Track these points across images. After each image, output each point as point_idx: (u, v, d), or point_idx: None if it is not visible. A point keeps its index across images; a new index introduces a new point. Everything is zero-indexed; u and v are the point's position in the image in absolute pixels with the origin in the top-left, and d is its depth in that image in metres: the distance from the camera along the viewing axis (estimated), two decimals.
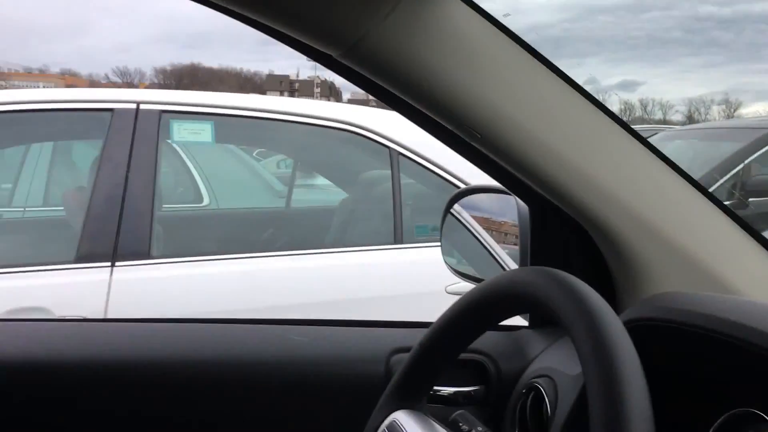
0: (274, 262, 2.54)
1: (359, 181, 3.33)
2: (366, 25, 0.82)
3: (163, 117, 2.45)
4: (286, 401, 1.11)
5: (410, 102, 0.94)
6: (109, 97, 2.48)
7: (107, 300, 2.17)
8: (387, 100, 0.99)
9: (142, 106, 2.43)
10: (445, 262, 1.52)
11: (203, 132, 2.56)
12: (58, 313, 2.10)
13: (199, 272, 2.40)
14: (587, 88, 0.93)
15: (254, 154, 5.79)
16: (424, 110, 0.95)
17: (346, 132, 2.74)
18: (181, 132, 2.52)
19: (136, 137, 2.37)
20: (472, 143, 0.97)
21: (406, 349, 1.09)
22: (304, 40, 0.88)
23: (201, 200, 4.45)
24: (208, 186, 4.50)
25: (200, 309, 2.30)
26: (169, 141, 2.76)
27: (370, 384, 1.09)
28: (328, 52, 0.89)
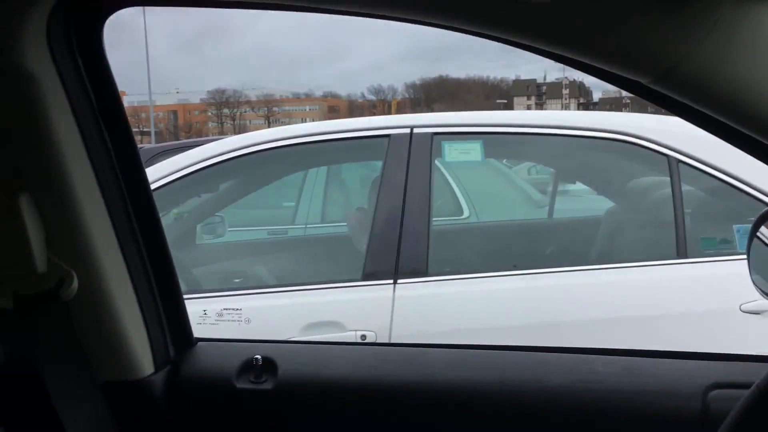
0: (545, 278, 2.51)
1: (628, 189, 3.17)
2: (682, 50, 0.78)
3: (435, 139, 2.55)
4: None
5: (729, 122, 0.87)
6: (386, 123, 2.65)
7: (391, 315, 2.30)
8: (701, 122, 0.92)
9: (415, 130, 2.55)
10: (753, 281, 1.39)
11: (473, 151, 2.61)
12: (350, 328, 2.28)
13: (472, 289, 2.46)
14: None
15: (504, 161, 5.81)
16: (744, 129, 0.87)
17: (617, 141, 2.63)
18: (452, 152, 2.60)
19: (411, 160, 2.49)
20: None
21: (727, 385, 1.00)
22: (612, 70, 0.86)
23: (461, 213, 4.54)
24: (467, 198, 4.57)
25: (475, 325, 2.34)
26: (441, 162, 2.87)
27: (684, 422, 1.02)
28: (638, 80, 0.85)
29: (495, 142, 2.85)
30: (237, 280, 3.10)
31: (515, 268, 2.65)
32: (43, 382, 0.95)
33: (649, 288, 2.43)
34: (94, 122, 1.02)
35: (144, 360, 1.08)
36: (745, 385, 0.92)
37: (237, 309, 2.29)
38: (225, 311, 2.27)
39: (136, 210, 1.10)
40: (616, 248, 2.88)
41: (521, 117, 2.73)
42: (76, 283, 0.97)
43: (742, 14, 0.77)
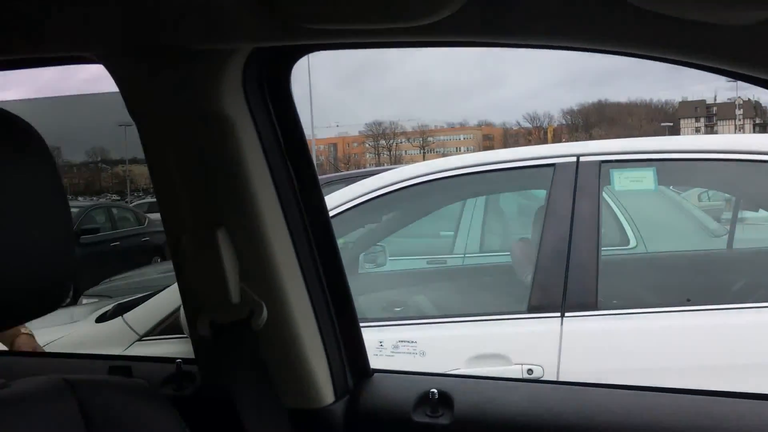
0: (723, 315, 2.33)
1: None
2: None
3: (603, 167, 2.46)
4: None
5: None
6: (550, 152, 2.60)
7: (559, 350, 2.23)
8: None
9: (582, 159, 2.48)
10: None
11: (645, 179, 2.50)
12: (515, 361, 2.23)
13: (643, 325, 2.33)
14: None
15: (671, 187, 5.49)
16: None
17: None
18: (622, 181, 2.50)
19: (578, 189, 2.42)
20: None
21: None
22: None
23: (627, 243, 4.32)
24: (633, 226, 4.34)
25: (648, 365, 2.22)
26: (610, 190, 2.77)
27: None
28: None
29: (666, 168, 2.70)
30: (397, 309, 3.15)
31: (689, 303, 2.49)
32: (235, 407, 1.01)
33: None
34: (281, 160, 1.08)
35: (325, 389, 1.12)
36: None
37: (412, 342, 2.32)
38: (401, 343, 2.31)
39: (318, 243, 1.15)
40: None
41: (697, 142, 2.58)
42: (265, 314, 1.03)
43: None
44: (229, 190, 1.00)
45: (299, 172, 1.11)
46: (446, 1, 0.72)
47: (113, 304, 3.04)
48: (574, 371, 2.19)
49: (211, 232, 1.00)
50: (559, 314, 2.29)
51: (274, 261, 1.04)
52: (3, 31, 0.82)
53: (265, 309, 1.03)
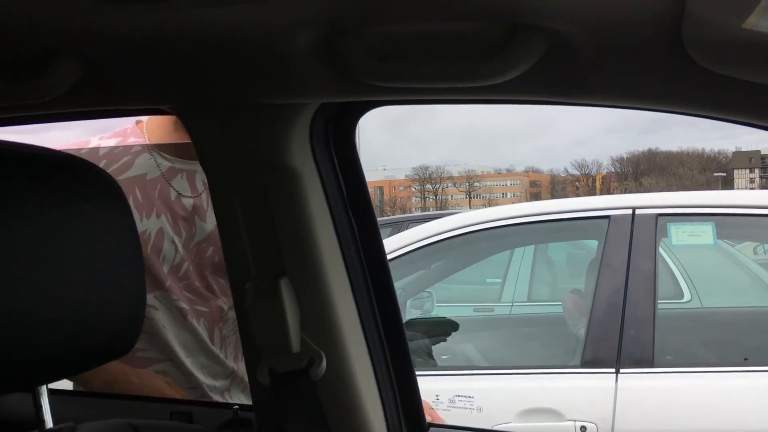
0: None
1: None
2: None
3: (660, 220, 2.43)
4: None
5: None
6: (605, 204, 2.58)
7: (614, 408, 2.18)
8: None
9: (638, 211, 2.46)
10: None
11: (704, 234, 2.46)
12: (568, 418, 2.18)
13: (701, 384, 2.27)
14: None
15: (724, 240, 5.35)
16: None
17: None
18: (680, 235, 2.46)
19: (633, 242, 2.39)
20: None
21: None
22: None
23: (681, 296, 4.21)
24: (687, 279, 4.24)
25: (706, 426, 2.14)
26: (668, 245, 2.73)
27: None
28: None
29: (723, 222, 2.65)
30: (444, 357, 3.12)
31: (746, 362, 2.41)
32: None
33: None
34: (344, 212, 1.10)
35: None
36: None
37: (470, 396, 2.30)
38: (457, 398, 2.29)
39: (377, 293, 1.15)
40: None
41: (754, 196, 2.53)
42: (324, 364, 1.04)
43: None
44: (293, 240, 1.02)
45: (361, 224, 1.13)
46: (512, 66, 0.73)
47: None
48: (628, 430, 2.14)
49: (274, 281, 1.02)
50: (614, 370, 2.24)
51: (335, 311, 1.05)
52: (87, 86, 0.86)
53: (324, 359, 1.04)
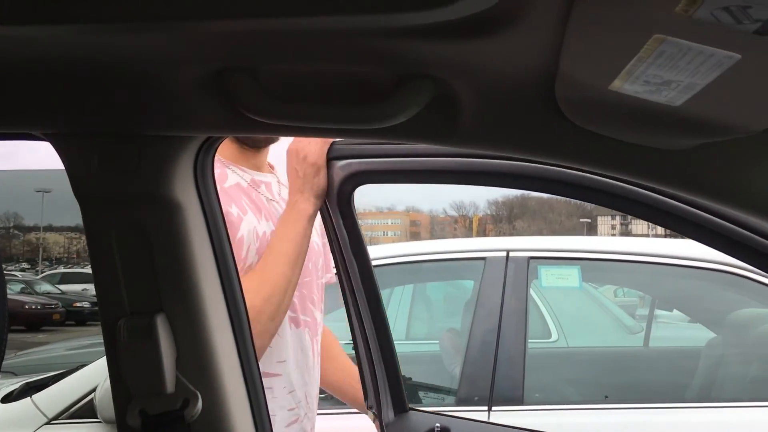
0: (639, 414, 2.40)
1: (730, 321, 3.03)
2: None
3: (531, 263, 2.55)
4: None
5: None
6: (482, 246, 2.68)
7: None
8: None
9: (511, 254, 2.57)
10: None
11: (570, 277, 2.60)
12: None
13: (564, 421, 2.37)
14: None
15: (589, 282, 5.67)
16: None
17: (719, 272, 2.56)
18: (549, 277, 2.59)
19: (507, 283, 2.49)
20: None
21: None
22: (743, 214, 0.86)
23: (549, 336, 4.41)
24: (555, 319, 4.44)
25: None
26: (539, 286, 2.86)
27: None
28: None
29: (589, 266, 2.82)
30: (322, 396, 3.09)
31: (607, 400, 2.55)
32: None
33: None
34: (227, 248, 1.08)
35: None
36: None
37: None
38: None
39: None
40: (720, 384, 2.73)
41: (621, 244, 2.72)
42: (200, 405, 1.00)
43: None
44: (173, 276, 0.99)
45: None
46: (400, 112, 0.76)
47: (20, 383, 2.87)
48: None
49: (150, 318, 0.98)
50: (486, 408, 2.31)
51: (213, 350, 1.02)
52: None
53: (200, 399, 1.00)
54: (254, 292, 1.31)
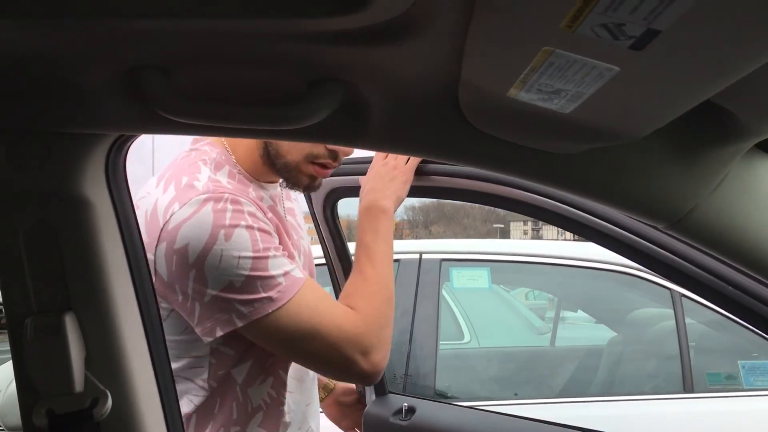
0: (545, 409, 2.51)
1: (630, 320, 3.21)
2: (694, 200, 0.85)
3: (443, 265, 2.62)
4: None
5: (741, 267, 0.93)
6: (396, 248, 2.73)
7: None
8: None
9: (424, 256, 2.63)
10: None
11: (480, 278, 2.68)
12: None
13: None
14: None
15: (500, 285, 5.84)
16: (757, 274, 0.93)
17: (619, 273, 2.70)
18: (460, 279, 2.67)
19: (420, 285, 2.55)
20: None
21: None
22: (630, 215, 0.93)
23: (462, 337, 4.52)
24: (467, 320, 4.56)
25: None
26: (451, 288, 2.93)
27: None
28: (654, 225, 0.92)
29: (500, 268, 2.92)
30: None
31: (516, 396, 2.65)
32: None
33: (656, 422, 2.43)
34: (139, 246, 1.08)
35: None
36: None
37: None
38: None
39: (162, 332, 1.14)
40: (620, 380, 2.88)
41: (529, 247, 2.83)
42: (110, 403, 0.99)
43: (750, 170, 0.85)
44: (82, 274, 0.98)
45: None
46: (313, 114, 0.78)
47: None
48: None
49: (58, 317, 0.97)
50: None
51: (124, 348, 1.02)
52: None
53: (109, 398, 1.00)
54: (373, 295, 1.29)
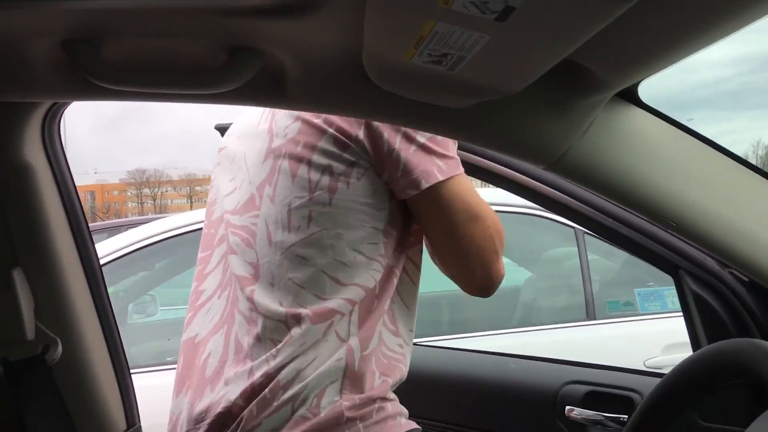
0: (474, 342, 2.71)
1: (543, 260, 3.44)
2: (567, 143, 1.00)
3: None
4: None
5: (611, 202, 1.09)
6: None
7: None
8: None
9: None
10: None
11: None
12: None
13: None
14: None
15: None
16: (625, 207, 1.10)
17: (528, 215, 2.90)
18: None
19: None
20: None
21: (575, 383, 1.58)
22: (512, 158, 1.07)
23: None
24: None
25: None
26: None
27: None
28: (536, 165, 1.07)
29: None
30: (170, 359, 3.15)
31: (441, 331, 2.85)
32: None
33: (564, 347, 2.66)
34: (78, 204, 1.16)
35: (118, 419, 1.19)
36: (586, 383, 1.59)
37: None
38: None
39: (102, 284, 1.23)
40: (535, 313, 3.12)
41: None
42: (60, 349, 1.09)
43: (615, 115, 1.01)
44: (27, 233, 1.06)
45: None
46: (235, 78, 0.88)
47: None
48: None
49: (6, 272, 1.05)
50: None
51: (69, 299, 1.11)
52: None
53: (59, 344, 1.09)
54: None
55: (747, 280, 1.34)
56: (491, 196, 3.03)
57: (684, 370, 0.95)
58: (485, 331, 2.86)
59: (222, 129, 1.42)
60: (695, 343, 1.41)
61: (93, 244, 1.19)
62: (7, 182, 1.04)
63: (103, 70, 0.87)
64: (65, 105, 1.10)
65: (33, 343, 1.08)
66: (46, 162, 1.09)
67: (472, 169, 1.48)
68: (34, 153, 1.06)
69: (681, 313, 1.44)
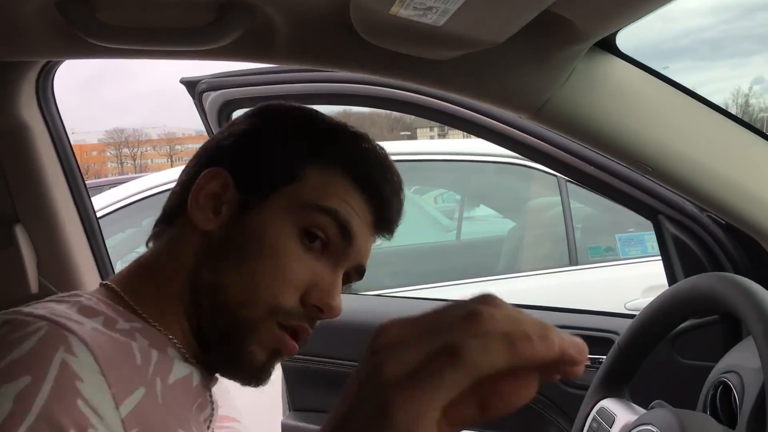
0: (457, 290, 2.78)
1: (526, 209, 3.50)
2: (548, 92, 1.03)
3: None
4: None
5: (593, 150, 1.13)
6: None
7: None
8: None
9: None
10: None
11: None
12: None
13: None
14: (755, 87, 1.07)
15: (411, 192, 6.03)
16: (603, 153, 1.14)
17: (513, 165, 2.95)
18: None
19: None
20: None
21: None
22: (496, 107, 1.11)
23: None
24: None
25: None
26: None
27: None
28: (519, 115, 1.11)
29: (408, 169, 3.10)
30: None
31: (426, 280, 2.92)
32: None
33: (547, 293, 2.74)
34: (74, 161, 1.19)
35: None
36: (567, 327, 1.51)
37: None
38: None
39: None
40: (518, 261, 3.19)
41: (426, 146, 3.02)
42: None
43: (594, 65, 1.04)
44: (27, 189, 1.09)
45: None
46: (225, 35, 0.91)
47: None
48: None
49: (8, 229, 1.08)
50: None
51: (71, 253, 1.14)
52: None
53: None
54: None
55: (724, 222, 1.39)
56: (474, 146, 3.07)
57: (659, 306, 1.01)
58: (470, 278, 2.93)
59: (188, 83, 1.44)
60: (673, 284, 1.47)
61: (90, 198, 1.22)
62: (5, 141, 1.06)
63: (96, 28, 0.89)
64: (58, 63, 1.12)
65: (36, 297, 1.11)
66: (42, 119, 1.11)
67: (455, 121, 1.51)
68: (30, 111, 1.08)
69: (660, 257, 1.48)
